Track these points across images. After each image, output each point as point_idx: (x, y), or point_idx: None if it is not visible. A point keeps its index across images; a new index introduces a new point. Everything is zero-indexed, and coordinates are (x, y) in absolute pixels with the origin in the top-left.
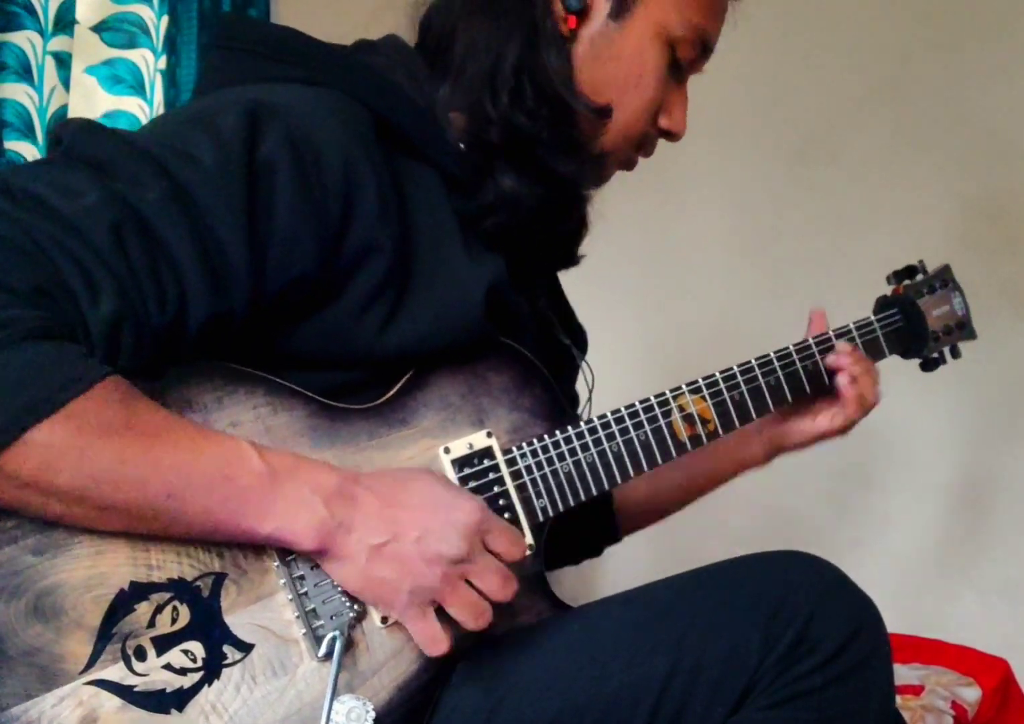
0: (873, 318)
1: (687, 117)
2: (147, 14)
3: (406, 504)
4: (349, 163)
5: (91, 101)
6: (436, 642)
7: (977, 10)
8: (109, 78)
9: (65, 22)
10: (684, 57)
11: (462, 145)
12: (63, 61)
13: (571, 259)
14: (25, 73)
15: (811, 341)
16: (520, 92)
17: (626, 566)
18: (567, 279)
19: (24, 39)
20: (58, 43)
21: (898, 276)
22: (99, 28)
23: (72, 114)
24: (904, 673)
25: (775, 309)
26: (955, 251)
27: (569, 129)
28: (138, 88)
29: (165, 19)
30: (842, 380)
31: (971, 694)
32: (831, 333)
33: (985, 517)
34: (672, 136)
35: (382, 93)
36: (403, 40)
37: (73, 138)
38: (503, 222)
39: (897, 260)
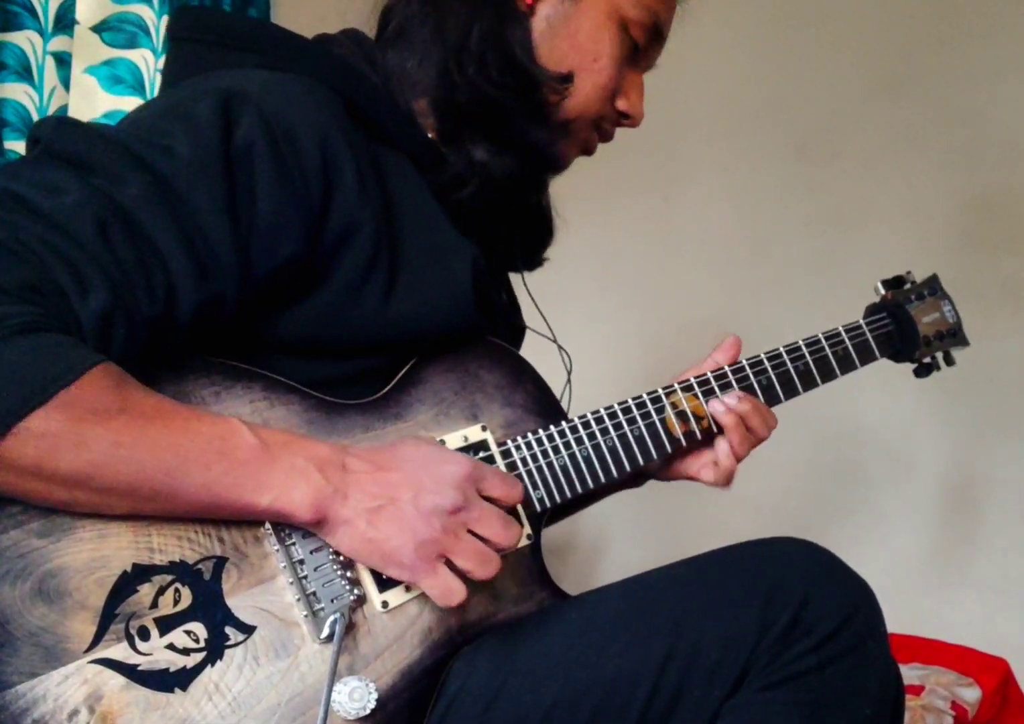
0: (862, 322)
1: (643, 103)
2: (147, 14)
3: (396, 467)
4: (325, 143)
5: (91, 101)
6: (452, 593)
7: (979, 8)
8: (109, 78)
9: (65, 22)
10: (637, 37)
11: (430, 135)
12: (63, 61)
13: (533, 261)
14: (25, 73)
15: (801, 342)
16: (485, 63)
17: (625, 565)
18: (562, 278)
19: (24, 39)
20: (58, 43)
21: (887, 285)
22: (99, 28)
23: (72, 114)
24: (904, 673)
25: (775, 306)
26: (956, 248)
27: (534, 96)
28: (138, 88)
29: (165, 19)
30: (721, 447)
31: (971, 694)
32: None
33: (985, 517)
34: (630, 120)
35: (348, 79)
36: (362, 32)
37: (51, 136)
38: (476, 192)
39: (898, 257)
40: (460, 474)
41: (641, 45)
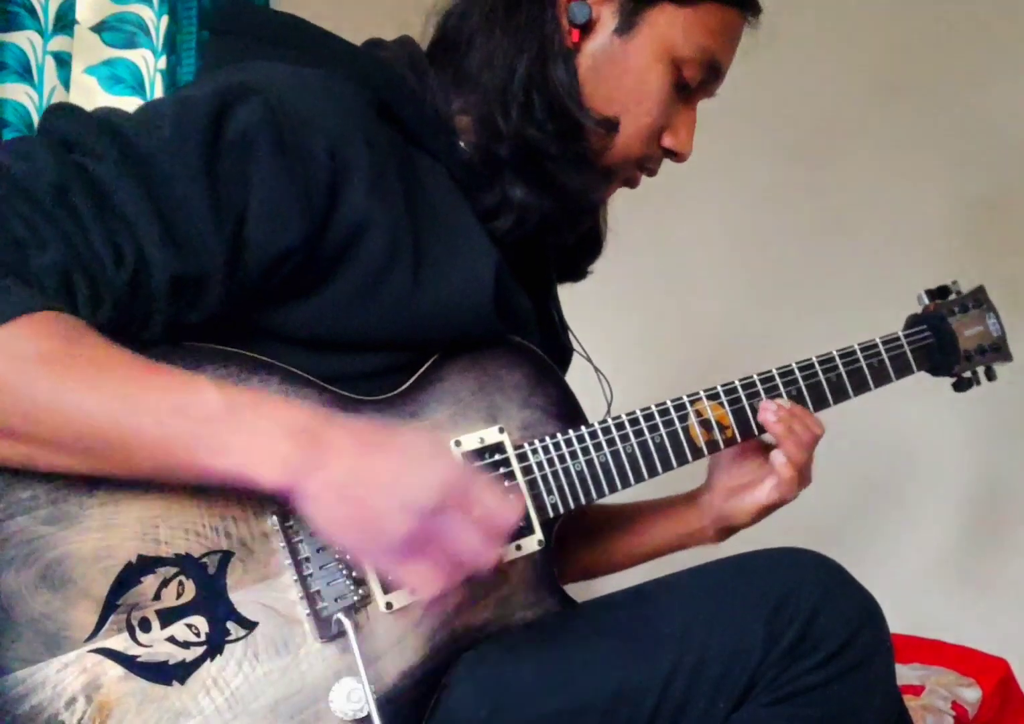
0: (901, 333)
1: (693, 138)
2: (147, 14)
3: (383, 448)
4: (339, 140)
5: (91, 101)
6: (426, 584)
7: (980, 10)
8: (109, 78)
9: (65, 22)
10: (691, 78)
11: (462, 143)
12: (63, 61)
13: (577, 273)
14: (25, 73)
15: (835, 353)
16: (530, 106)
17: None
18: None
19: (24, 39)
20: (58, 43)
21: (930, 295)
22: (99, 28)
23: None
24: (905, 673)
25: (777, 309)
26: (957, 250)
27: (577, 143)
28: (138, 88)
29: (165, 19)
30: (778, 459)
31: (971, 694)
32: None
33: (986, 517)
34: (677, 156)
35: (386, 82)
36: (414, 41)
37: (45, 118)
38: (510, 227)
39: (898, 259)
40: (448, 477)
41: (694, 85)
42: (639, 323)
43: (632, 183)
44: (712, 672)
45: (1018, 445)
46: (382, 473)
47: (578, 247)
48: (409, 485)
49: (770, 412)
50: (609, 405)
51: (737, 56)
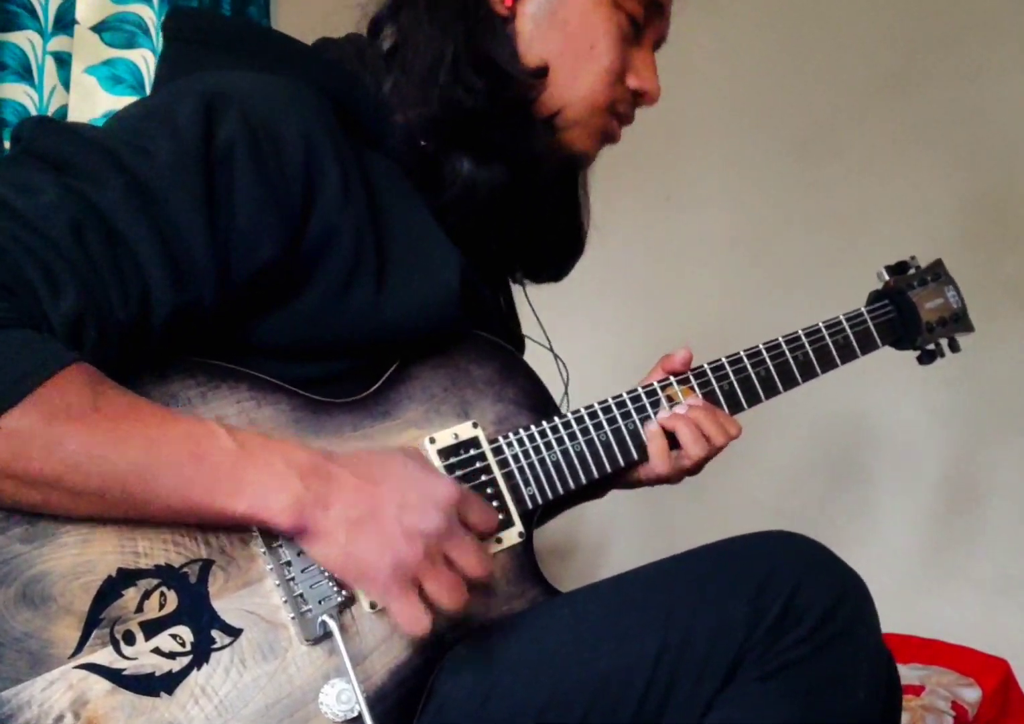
0: (864, 309)
1: (657, 77)
2: (147, 14)
3: (382, 480)
4: (310, 147)
5: (91, 101)
6: (418, 621)
7: (982, 6)
8: (109, 78)
9: (65, 22)
10: (636, 14)
11: (423, 143)
12: (63, 61)
13: (557, 273)
14: (25, 73)
15: (800, 332)
16: (459, 73)
17: (626, 566)
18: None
19: (24, 39)
20: (58, 43)
21: (890, 271)
22: (99, 28)
23: (72, 114)
24: (904, 673)
25: (775, 305)
26: (957, 248)
27: (509, 97)
28: (138, 88)
29: None
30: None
31: (971, 694)
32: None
33: (986, 516)
34: (645, 96)
35: (341, 83)
36: (365, 38)
37: (31, 135)
38: (467, 210)
39: (899, 256)
40: (447, 498)
41: (641, 21)
42: (639, 314)
43: (612, 135)
44: (698, 651)
45: (1018, 443)
46: (387, 504)
47: (558, 245)
48: (414, 510)
49: (664, 411)
50: (566, 385)
51: (737, 56)
